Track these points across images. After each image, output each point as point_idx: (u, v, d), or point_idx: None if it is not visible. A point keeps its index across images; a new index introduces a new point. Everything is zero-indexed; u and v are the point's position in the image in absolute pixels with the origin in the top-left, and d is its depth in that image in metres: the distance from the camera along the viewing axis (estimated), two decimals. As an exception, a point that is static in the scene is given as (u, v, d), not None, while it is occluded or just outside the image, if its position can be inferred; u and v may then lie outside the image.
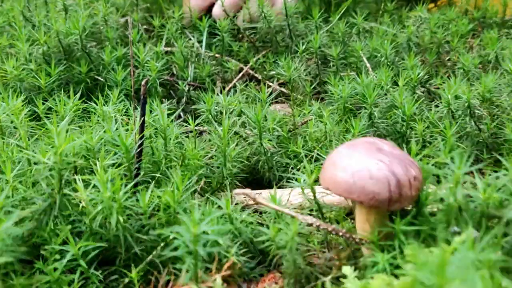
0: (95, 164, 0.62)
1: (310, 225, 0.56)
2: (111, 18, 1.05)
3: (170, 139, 0.72)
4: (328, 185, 0.56)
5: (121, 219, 0.54)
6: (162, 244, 0.57)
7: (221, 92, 1.11)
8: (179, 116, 1.04)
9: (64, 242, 0.56)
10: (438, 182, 0.60)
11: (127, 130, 0.74)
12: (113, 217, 0.54)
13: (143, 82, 0.68)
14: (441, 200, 0.57)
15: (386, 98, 0.93)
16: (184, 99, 1.06)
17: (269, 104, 1.09)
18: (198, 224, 0.49)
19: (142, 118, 0.67)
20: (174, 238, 0.52)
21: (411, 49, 1.12)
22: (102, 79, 0.97)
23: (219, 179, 0.73)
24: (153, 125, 0.72)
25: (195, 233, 0.49)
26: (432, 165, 0.60)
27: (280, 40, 1.16)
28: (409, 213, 0.57)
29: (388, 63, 1.06)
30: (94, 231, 0.56)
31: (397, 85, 0.99)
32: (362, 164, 0.54)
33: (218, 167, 0.73)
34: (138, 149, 0.67)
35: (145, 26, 1.23)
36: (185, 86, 1.05)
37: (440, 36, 1.14)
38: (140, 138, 0.67)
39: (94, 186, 0.57)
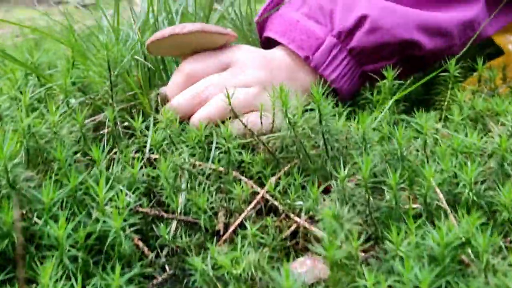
0: None
1: None
2: (66, 127, 0.73)
3: None
4: None
5: None
6: None
7: (224, 229, 0.77)
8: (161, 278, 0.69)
9: None
10: None
11: None
12: None
13: None
14: None
15: (486, 279, 0.57)
16: (167, 250, 0.71)
17: (294, 254, 0.74)
18: None
19: None
20: None
21: (505, 172, 0.76)
22: (39, 232, 0.64)
23: None
24: None
25: None
26: None
27: (310, 148, 0.82)
28: None
29: (474, 198, 0.71)
30: None
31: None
32: None
33: None
34: None
35: (125, 123, 0.90)
36: (168, 233, 0.71)
37: (542, 149, 0.79)
38: None
39: None
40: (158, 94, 0.89)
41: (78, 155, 0.77)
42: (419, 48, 0.97)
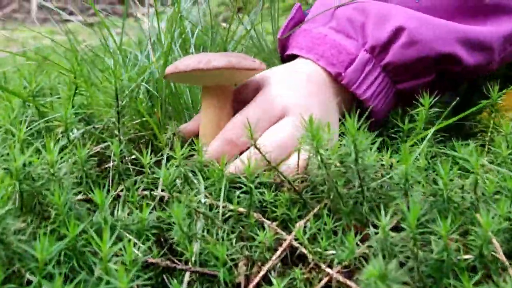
0: None
1: None
2: (66, 166, 0.63)
3: None
4: None
5: None
6: None
7: (245, 282, 0.67)
8: None
9: None
10: None
11: None
12: None
13: None
14: None
15: None
16: (181, 309, 0.61)
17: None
18: None
19: None
20: None
21: None
22: (31, 293, 0.54)
23: None
24: None
25: None
26: None
27: (341, 186, 0.72)
28: None
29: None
30: None
31: None
32: None
33: None
34: None
35: (132, 156, 0.81)
36: (181, 283, 0.61)
37: None
38: None
39: None
40: (174, 134, 0.80)
41: (80, 196, 0.68)
42: (458, 63, 0.88)
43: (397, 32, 0.84)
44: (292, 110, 0.80)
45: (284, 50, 0.96)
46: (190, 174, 0.75)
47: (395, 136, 0.94)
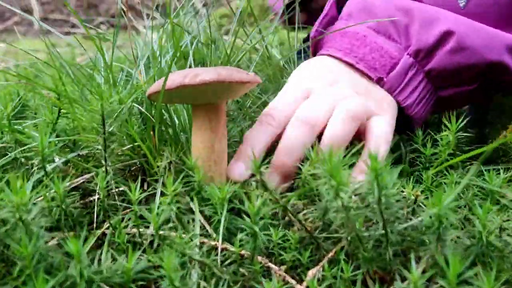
0: None
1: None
2: (37, 207, 0.53)
3: None
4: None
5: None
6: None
7: None
8: None
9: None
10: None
11: None
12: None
13: None
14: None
15: None
16: None
17: None
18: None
19: None
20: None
21: None
22: None
23: None
24: None
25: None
26: None
27: (361, 224, 0.62)
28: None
29: None
30: None
31: None
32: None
33: None
34: None
35: (122, 188, 0.72)
36: None
37: None
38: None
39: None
40: (170, 162, 0.70)
41: (55, 240, 0.58)
42: (505, 72, 0.80)
43: (445, 36, 0.78)
44: (316, 88, 0.77)
45: (316, 50, 0.88)
46: (191, 204, 0.66)
47: (415, 160, 0.84)
